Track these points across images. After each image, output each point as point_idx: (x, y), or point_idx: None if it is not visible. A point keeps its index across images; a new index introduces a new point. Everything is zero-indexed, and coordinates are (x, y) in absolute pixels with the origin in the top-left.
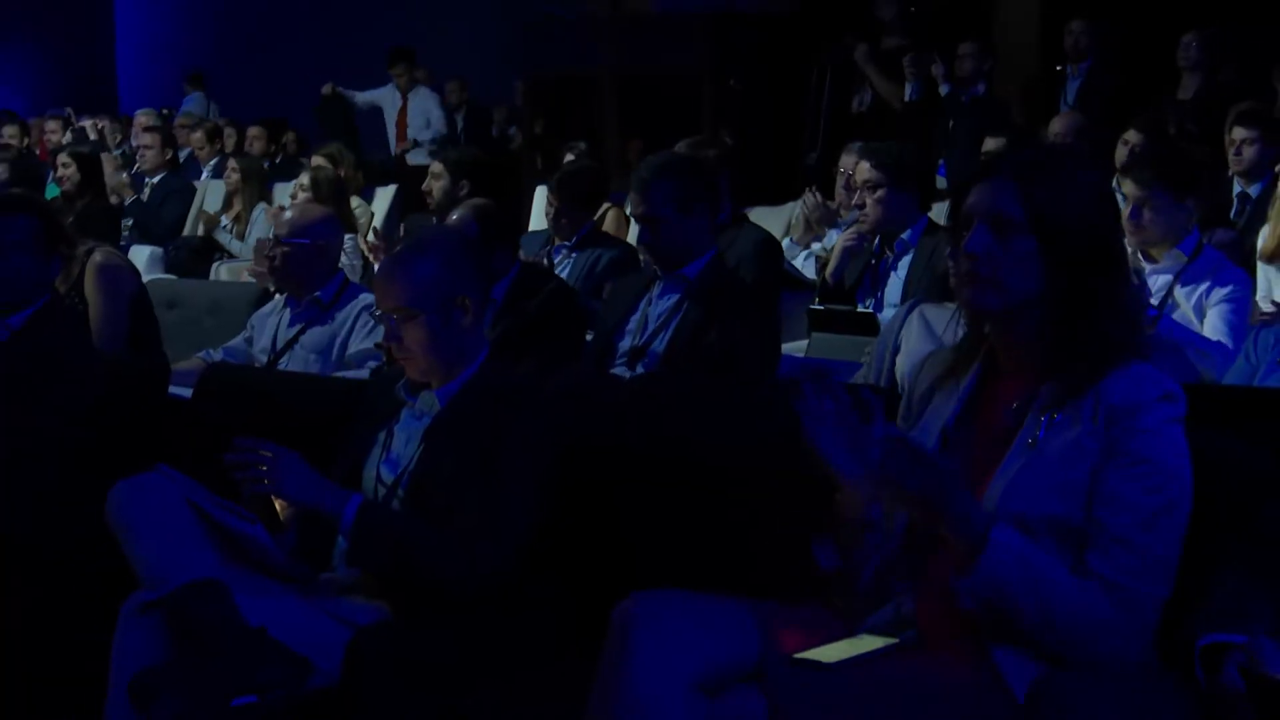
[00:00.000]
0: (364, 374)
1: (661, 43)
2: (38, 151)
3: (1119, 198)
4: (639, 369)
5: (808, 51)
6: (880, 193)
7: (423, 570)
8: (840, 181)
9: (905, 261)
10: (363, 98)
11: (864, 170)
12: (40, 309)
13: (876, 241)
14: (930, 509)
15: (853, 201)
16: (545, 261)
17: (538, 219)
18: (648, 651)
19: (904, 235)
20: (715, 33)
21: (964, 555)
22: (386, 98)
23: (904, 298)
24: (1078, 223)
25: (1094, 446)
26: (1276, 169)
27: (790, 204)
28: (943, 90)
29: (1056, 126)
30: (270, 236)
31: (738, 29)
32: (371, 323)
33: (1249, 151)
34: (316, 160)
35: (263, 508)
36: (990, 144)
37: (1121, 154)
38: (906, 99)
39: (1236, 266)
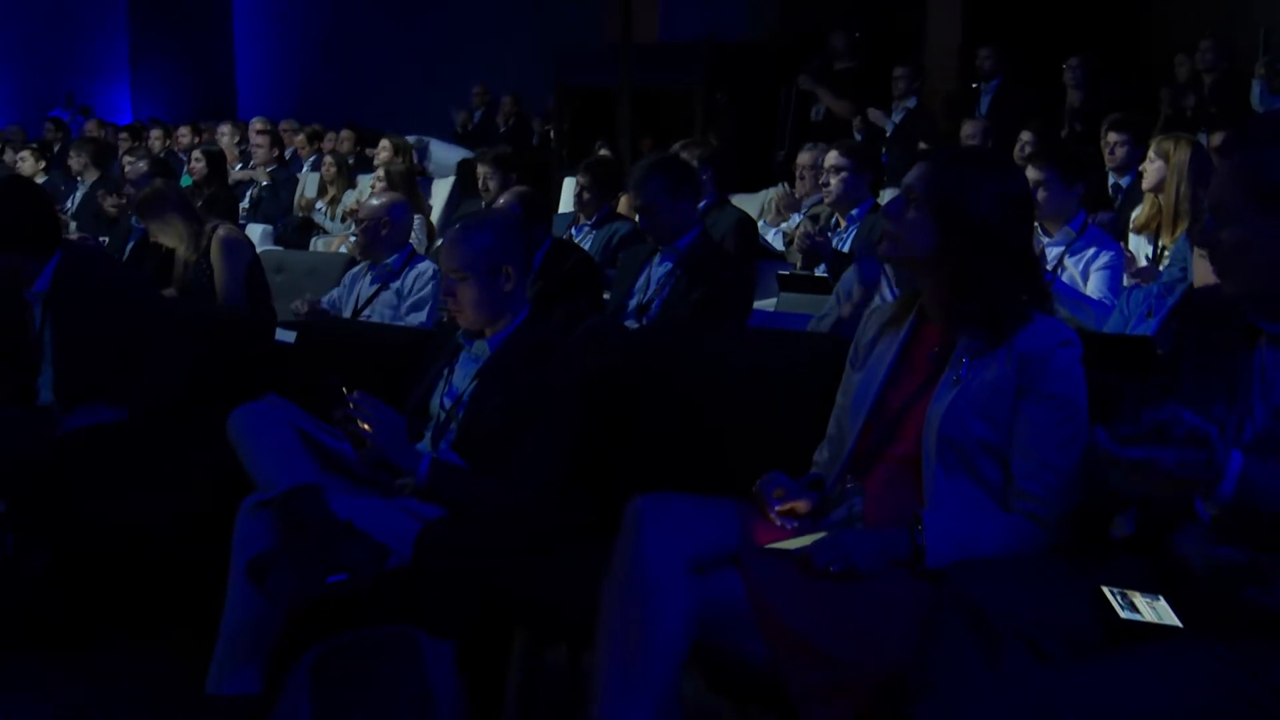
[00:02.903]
0: (421, 318)
1: (665, 65)
2: (175, 150)
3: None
4: (644, 320)
5: (779, 73)
6: (844, 175)
7: (478, 508)
8: (798, 174)
9: (850, 235)
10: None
11: (832, 157)
12: (58, 266)
13: (834, 218)
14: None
15: (819, 182)
16: (566, 236)
17: (565, 203)
18: (652, 539)
19: (854, 212)
20: (707, 57)
21: (914, 560)
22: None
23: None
24: (970, 213)
25: (1009, 385)
26: (1140, 167)
27: (764, 191)
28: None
29: (966, 130)
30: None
31: (724, 55)
32: (425, 283)
33: (1120, 152)
34: (383, 144)
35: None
36: (924, 147)
37: (1018, 150)
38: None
39: (1114, 241)
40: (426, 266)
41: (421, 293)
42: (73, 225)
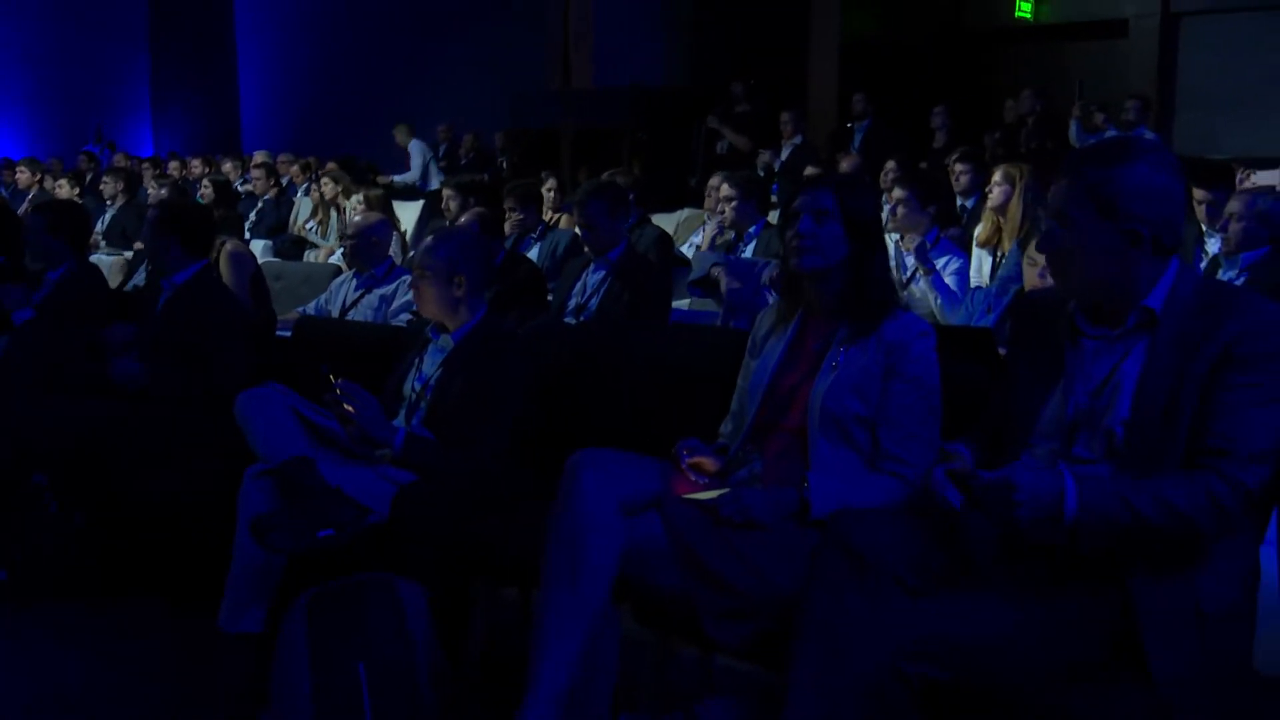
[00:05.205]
0: (401, 322)
1: (597, 107)
2: (189, 178)
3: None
4: (581, 319)
5: (690, 114)
6: (734, 203)
7: (444, 474)
8: (707, 194)
9: (750, 247)
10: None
11: (725, 189)
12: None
13: (733, 235)
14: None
15: (715, 209)
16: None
17: None
18: (588, 483)
19: (751, 230)
20: (631, 101)
21: (802, 512)
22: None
23: None
24: (869, 219)
25: (878, 369)
26: (986, 189)
27: (678, 211)
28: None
29: (844, 165)
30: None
31: (646, 98)
32: (406, 290)
33: (965, 179)
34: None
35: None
36: (810, 170)
37: (883, 176)
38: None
39: (961, 251)
40: (407, 276)
41: (406, 297)
42: (103, 242)
